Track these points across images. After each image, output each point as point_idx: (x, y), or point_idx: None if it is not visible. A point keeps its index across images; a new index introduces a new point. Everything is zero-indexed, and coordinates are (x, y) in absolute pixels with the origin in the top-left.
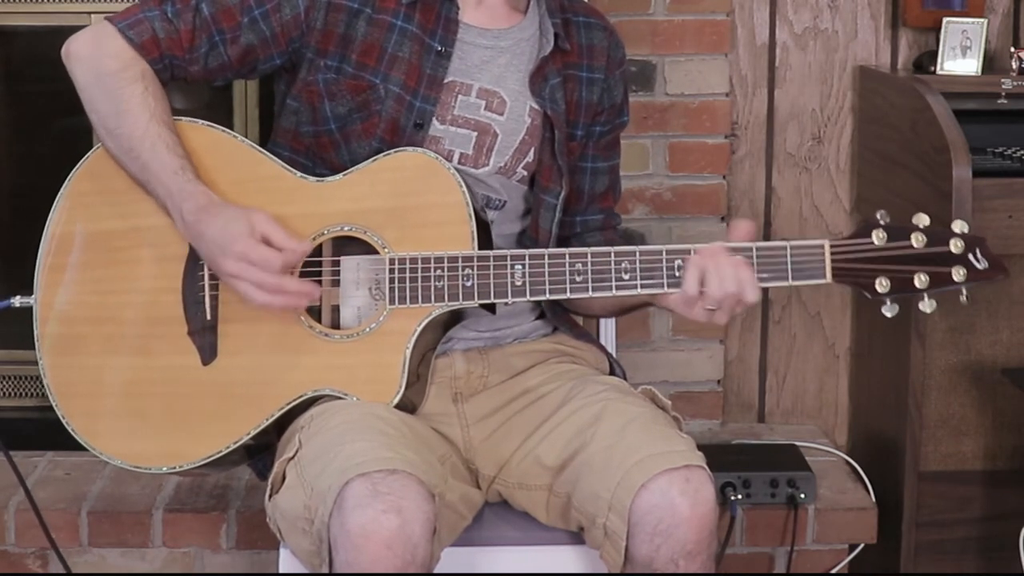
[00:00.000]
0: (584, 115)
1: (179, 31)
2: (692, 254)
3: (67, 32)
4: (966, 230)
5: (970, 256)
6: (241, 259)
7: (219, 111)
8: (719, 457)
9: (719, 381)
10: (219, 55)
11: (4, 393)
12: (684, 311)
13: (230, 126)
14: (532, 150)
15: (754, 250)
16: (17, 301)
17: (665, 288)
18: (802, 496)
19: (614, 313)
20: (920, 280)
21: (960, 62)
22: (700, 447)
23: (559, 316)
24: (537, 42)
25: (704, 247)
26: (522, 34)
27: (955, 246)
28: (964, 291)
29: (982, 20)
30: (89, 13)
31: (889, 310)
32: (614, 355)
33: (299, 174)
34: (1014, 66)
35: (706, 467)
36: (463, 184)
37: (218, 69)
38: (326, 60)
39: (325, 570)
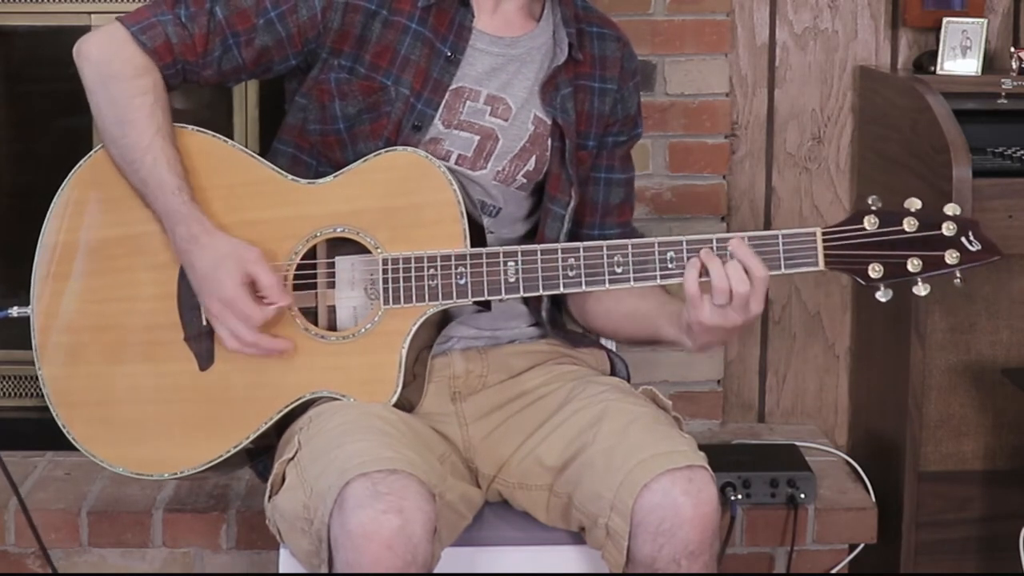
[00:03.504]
0: (595, 126)
1: (193, 36)
2: (688, 258)
3: (67, 32)
4: (958, 212)
5: (963, 239)
6: (225, 306)
7: (219, 111)
8: (719, 457)
9: (719, 381)
10: (233, 58)
11: (4, 393)
12: (695, 315)
13: (230, 127)
14: (533, 158)
15: (746, 240)
16: (15, 311)
17: (658, 280)
18: (802, 496)
19: (626, 334)
20: (913, 264)
21: (960, 62)
22: (700, 447)
23: (555, 330)
24: (550, 50)
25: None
26: (533, 42)
27: (947, 229)
28: (958, 274)
29: (982, 20)
30: (89, 13)
31: (883, 295)
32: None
33: (290, 177)
34: (1014, 66)
35: (708, 467)
36: (454, 182)
37: (231, 72)
38: (340, 60)
39: (324, 570)
